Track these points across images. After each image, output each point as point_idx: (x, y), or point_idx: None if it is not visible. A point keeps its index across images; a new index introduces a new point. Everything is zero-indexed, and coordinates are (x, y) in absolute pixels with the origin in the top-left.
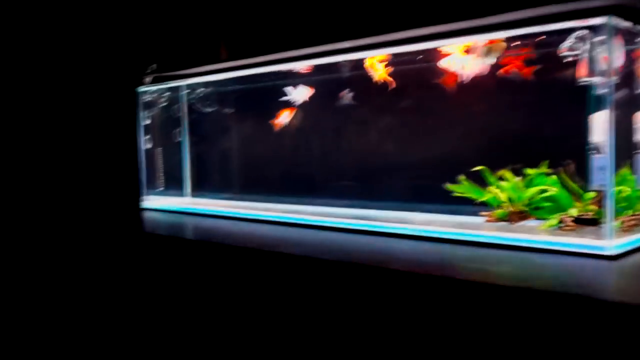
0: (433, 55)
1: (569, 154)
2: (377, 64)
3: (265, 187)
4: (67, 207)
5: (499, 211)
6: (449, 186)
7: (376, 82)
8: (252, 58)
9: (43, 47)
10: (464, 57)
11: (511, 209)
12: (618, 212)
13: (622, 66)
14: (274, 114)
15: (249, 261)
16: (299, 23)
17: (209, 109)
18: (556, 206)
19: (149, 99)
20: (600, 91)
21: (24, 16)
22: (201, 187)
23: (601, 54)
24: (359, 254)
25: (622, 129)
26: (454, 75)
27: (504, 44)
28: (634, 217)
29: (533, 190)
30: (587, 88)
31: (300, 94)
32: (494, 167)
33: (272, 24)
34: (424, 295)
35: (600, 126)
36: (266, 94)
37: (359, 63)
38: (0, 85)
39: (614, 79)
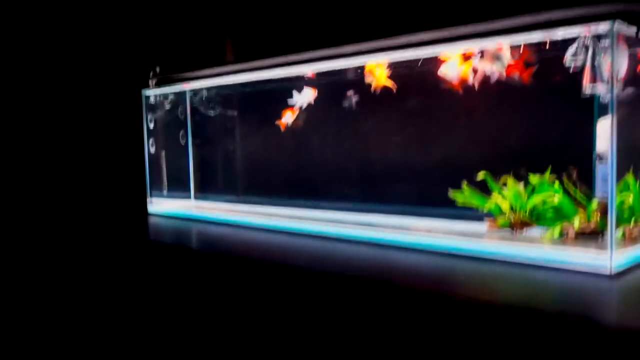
0: (437, 60)
1: (575, 161)
2: (377, 69)
3: (269, 191)
4: (73, 211)
5: (501, 220)
6: (452, 194)
7: (376, 88)
8: (258, 61)
9: (49, 51)
10: (467, 62)
11: (513, 218)
12: (621, 221)
13: (627, 72)
14: (278, 117)
15: (252, 273)
16: (306, 27)
17: (212, 112)
18: (559, 215)
19: (154, 101)
20: (604, 98)
21: (31, 20)
22: (205, 190)
23: (605, 60)
24: (360, 265)
25: (631, 136)
26: (460, 80)
27: (511, 51)
28: (637, 227)
29: (535, 199)
30: (593, 95)
31: (305, 96)
32: (500, 172)
33: (279, 28)
34: (419, 311)
35: (603, 134)
36: (271, 97)
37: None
38: (6, 88)
39: (618, 85)
